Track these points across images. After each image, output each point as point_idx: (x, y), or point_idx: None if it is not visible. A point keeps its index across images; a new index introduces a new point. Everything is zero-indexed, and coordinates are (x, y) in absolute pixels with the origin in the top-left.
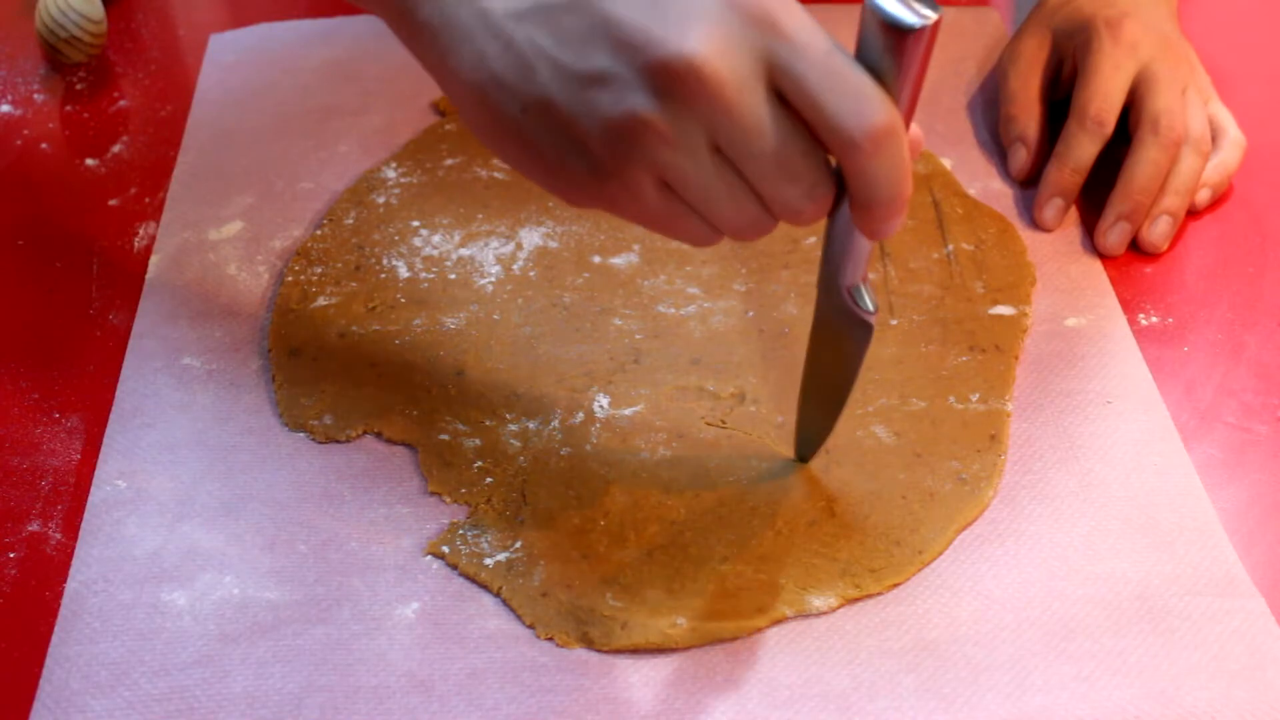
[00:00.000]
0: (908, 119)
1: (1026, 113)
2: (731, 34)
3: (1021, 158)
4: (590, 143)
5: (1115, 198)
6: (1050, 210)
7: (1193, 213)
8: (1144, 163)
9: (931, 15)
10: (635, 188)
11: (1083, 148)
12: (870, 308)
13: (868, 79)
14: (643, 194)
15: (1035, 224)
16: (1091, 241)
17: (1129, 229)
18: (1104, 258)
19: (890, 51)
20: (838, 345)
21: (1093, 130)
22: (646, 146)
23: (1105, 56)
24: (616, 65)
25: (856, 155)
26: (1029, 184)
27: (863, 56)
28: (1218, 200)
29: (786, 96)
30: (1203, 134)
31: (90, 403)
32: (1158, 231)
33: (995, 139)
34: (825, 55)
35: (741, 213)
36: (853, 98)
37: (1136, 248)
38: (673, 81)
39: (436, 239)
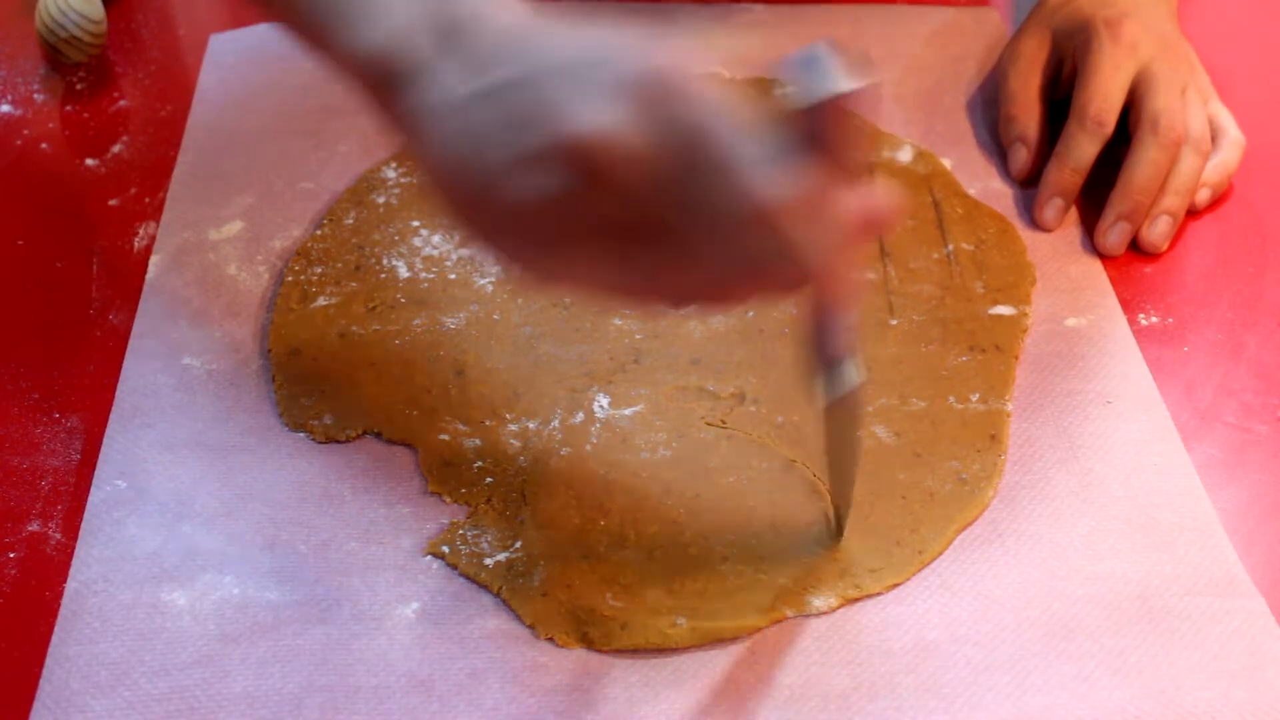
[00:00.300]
0: (842, 179)
1: (1026, 112)
2: (644, 109)
3: (1022, 158)
4: (527, 222)
5: (1115, 198)
6: (1050, 210)
7: (1192, 212)
8: (1144, 163)
9: (848, 86)
10: (575, 265)
11: (1082, 148)
12: (855, 382)
13: (775, 150)
14: (584, 271)
15: (1035, 224)
16: (1091, 241)
17: (1129, 229)
18: (1104, 258)
19: (811, 117)
20: (847, 415)
21: (1093, 130)
22: (560, 226)
23: (1105, 56)
24: (544, 144)
25: (767, 228)
26: (1029, 184)
27: (786, 121)
28: (1217, 200)
29: (702, 173)
30: (1202, 134)
31: (90, 403)
32: (1157, 231)
33: (995, 139)
34: (732, 126)
35: (680, 285)
36: (758, 170)
37: (1136, 248)
38: (584, 158)
39: (436, 239)
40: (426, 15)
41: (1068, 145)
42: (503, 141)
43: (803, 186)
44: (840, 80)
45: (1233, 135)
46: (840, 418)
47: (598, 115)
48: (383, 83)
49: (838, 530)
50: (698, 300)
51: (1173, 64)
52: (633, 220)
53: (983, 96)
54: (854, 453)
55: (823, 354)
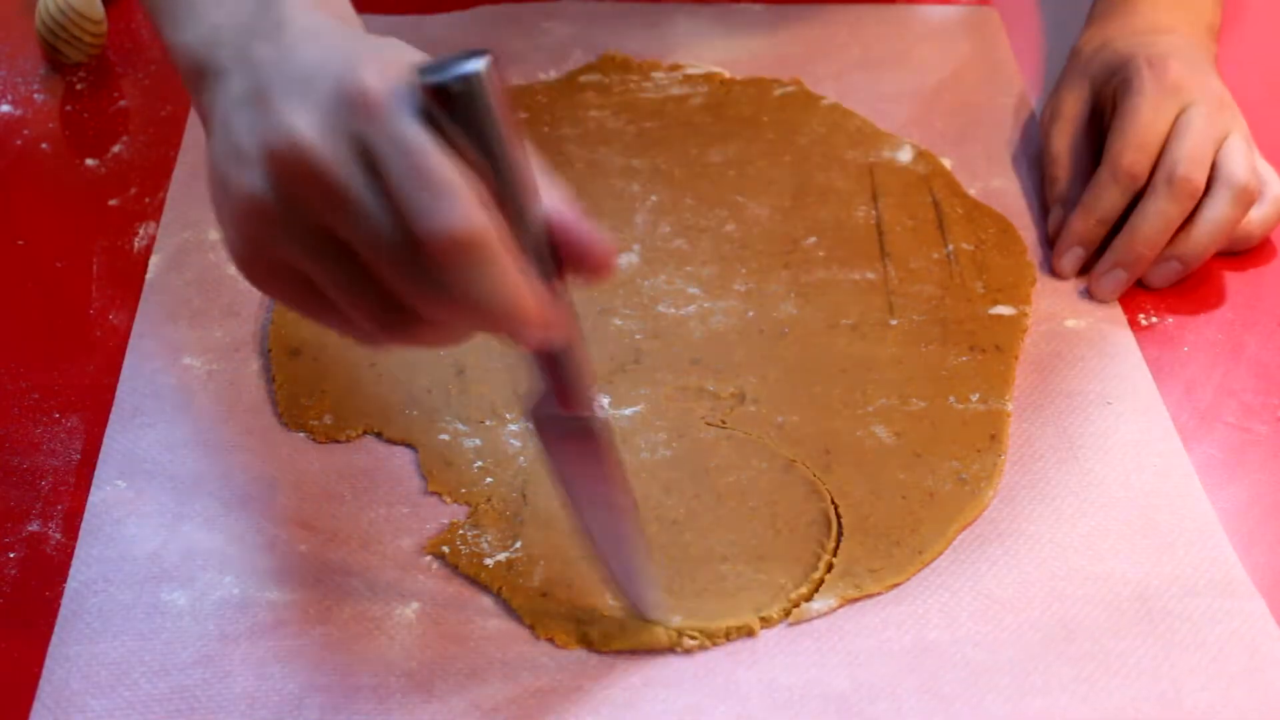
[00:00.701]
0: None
1: (1069, 173)
2: (334, 119)
3: (1061, 221)
4: (245, 219)
5: (1117, 244)
6: (1069, 259)
7: (1222, 255)
8: (1151, 214)
9: (469, 66)
10: (273, 272)
11: (1111, 200)
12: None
13: (453, 178)
14: (275, 279)
15: (1053, 271)
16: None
17: (1125, 278)
18: (1096, 300)
19: (453, 121)
20: (592, 473)
21: (1124, 183)
22: (265, 228)
23: (1146, 98)
24: (256, 146)
25: (438, 259)
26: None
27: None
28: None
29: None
30: (1248, 181)
31: (90, 403)
32: (1160, 275)
33: (995, 139)
34: (412, 137)
35: (367, 311)
36: (430, 195)
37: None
38: (279, 164)
39: None
40: (238, 18)
41: (1096, 194)
42: (237, 142)
43: (475, 221)
44: (452, 72)
45: (1275, 191)
46: (591, 455)
47: (300, 127)
48: (194, 78)
49: (651, 609)
50: (372, 336)
51: (1215, 109)
52: (321, 237)
53: (983, 97)
54: (626, 498)
55: (563, 404)
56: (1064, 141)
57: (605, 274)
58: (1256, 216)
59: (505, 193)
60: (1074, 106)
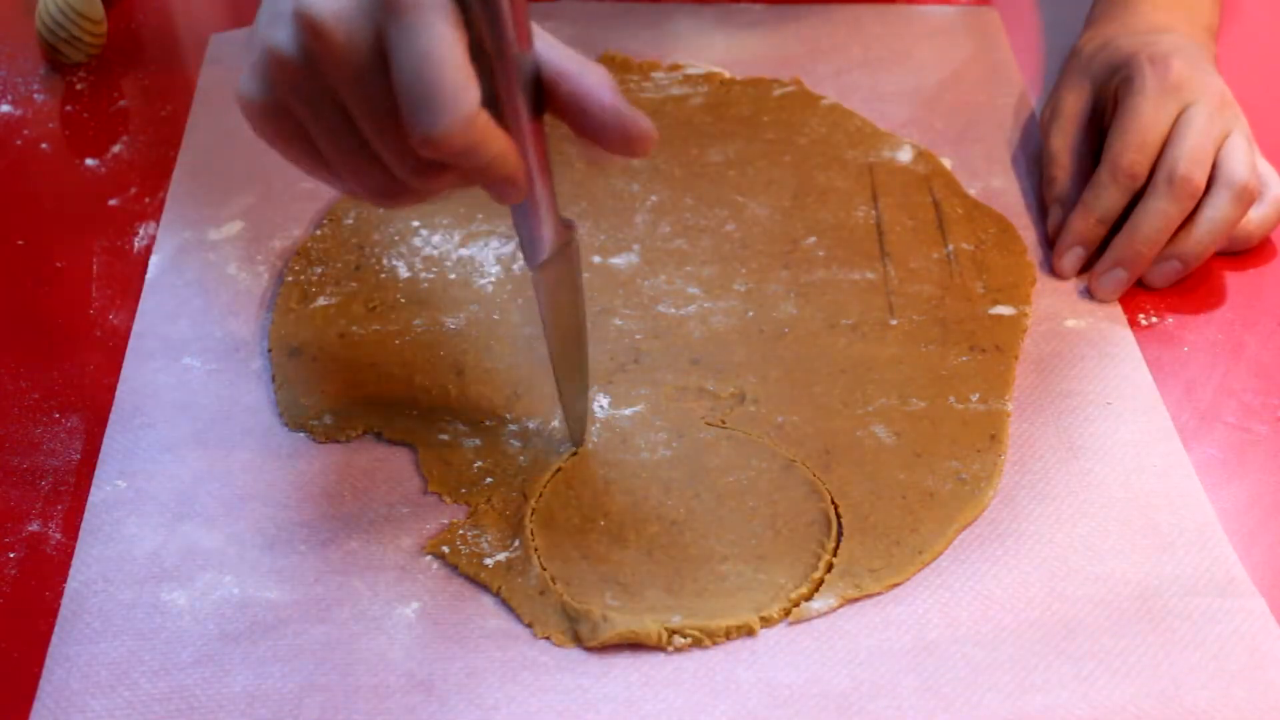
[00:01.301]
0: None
1: (1068, 173)
2: (359, 6)
3: (1059, 221)
4: (259, 67)
5: (1117, 243)
6: (1069, 259)
7: (1222, 255)
8: (1151, 213)
9: None
10: (278, 120)
11: (1111, 198)
12: (553, 245)
13: (453, 82)
14: (284, 129)
15: (1053, 271)
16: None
17: (1125, 277)
18: (1096, 300)
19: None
20: (559, 300)
21: (1123, 183)
22: (283, 82)
23: (1147, 97)
24: (285, 7)
25: (429, 154)
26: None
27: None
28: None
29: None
30: (1248, 180)
31: (90, 403)
32: (1160, 274)
33: (995, 139)
34: (423, 46)
35: (362, 173)
36: (428, 95)
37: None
38: (303, 31)
39: (436, 239)
40: None
41: (1096, 194)
42: (279, 2)
43: (465, 126)
44: None
45: (1276, 191)
46: (550, 288)
47: (330, 3)
48: None
49: (574, 435)
50: (364, 194)
51: (1217, 108)
52: (335, 103)
53: (984, 97)
54: (580, 328)
55: (522, 234)
56: (1063, 141)
57: (602, 114)
58: (1256, 216)
59: (497, 32)
60: (1074, 105)
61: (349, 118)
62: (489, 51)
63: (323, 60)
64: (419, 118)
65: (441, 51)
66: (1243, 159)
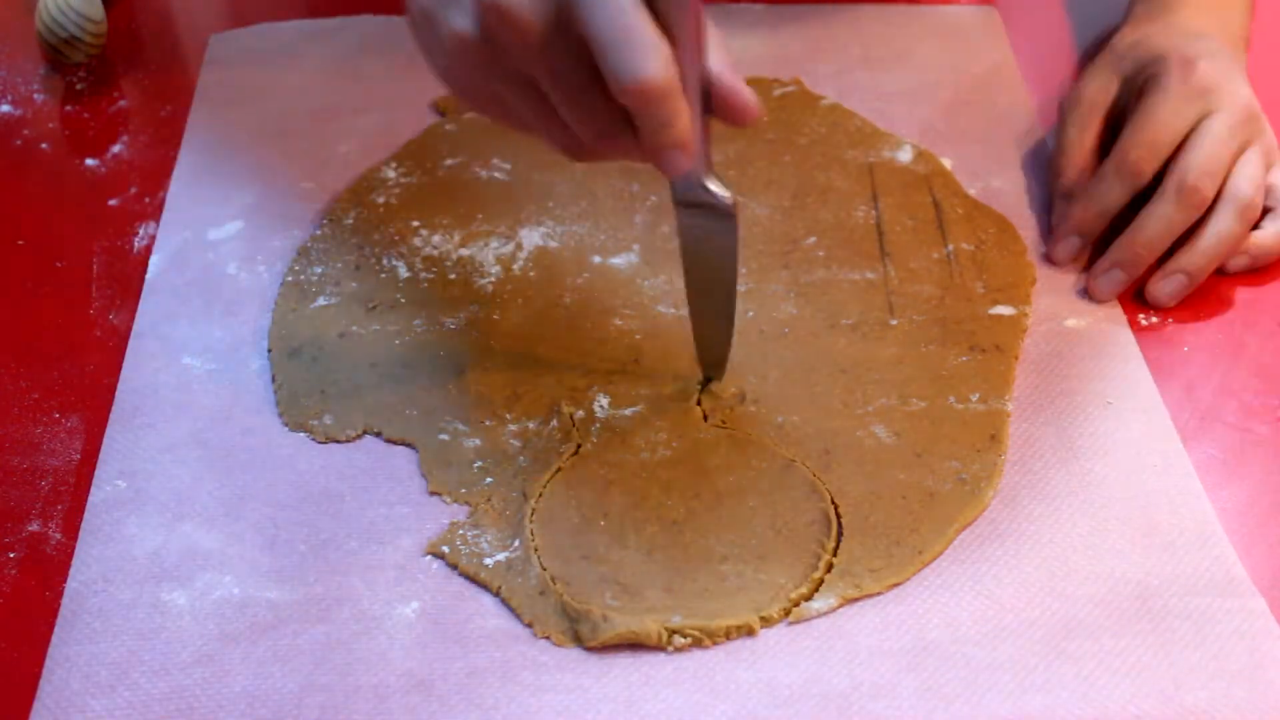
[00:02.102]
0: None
1: (1075, 167)
2: None
3: (1063, 213)
4: (444, 48)
5: (1118, 244)
6: (1064, 247)
7: (1223, 274)
8: (1156, 218)
9: None
10: (475, 91)
11: (1113, 193)
12: (726, 195)
13: (651, 33)
14: (482, 98)
15: (1048, 259)
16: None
17: (1123, 279)
18: (1092, 299)
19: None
20: (709, 252)
21: (1127, 179)
22: (472, 63)
23: (1168, 98)
24: None
25: (628, 103)
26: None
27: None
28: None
29: (583, 42)
30: (1251, 197)
31: (90, 403)
32: (1166, 290)
33: (995, 139)
34: (616, 4)
35: (556, 136)
36: (630, 50)
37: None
38: (484, 13)
39: (436, 239)
40: None
41: (1098, 186)
42: None
43: (668, 71)
44: None
45: None
46: (717, 238)
47: None
48: None
49: (715, 370)
50: (564, 152)
51: (1238, 119)
52: (522, 74)
53: (985, 96)
54: (731, 279)
55: (695, 177)
56: (1077, 132)
57: (749, 121)
58: (1273, 231)
59: (684, 46)
60: (1097, 97)
61: (536, 86)
62: (671, 39)
63: (507, 40)
64: (623, 65)
65: (633, 10)
66: (1252, 175)
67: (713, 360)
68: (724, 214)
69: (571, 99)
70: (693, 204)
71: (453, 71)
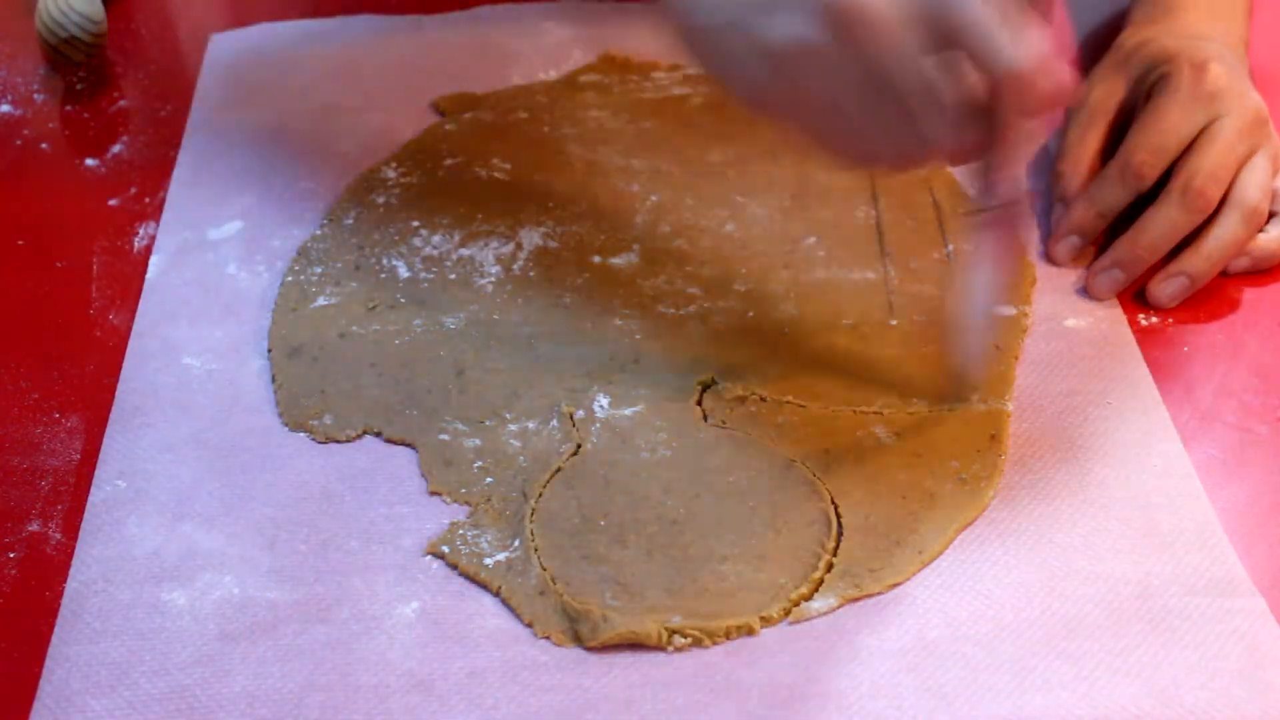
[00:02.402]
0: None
1: (1076, 170)
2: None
3: (1061, 217)
4: (768, 57)
5: (1119, 243)
6: (1064, 246)
7: (1224, 275)
8: (1158, 220)
9: None
10: (797, 102)
11: (1115, 195)
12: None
13: (1020, 19)
14: (803, 109)
15: (1046, 257)
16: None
17: (1121, 279)
18: (1091, 298)
19: None
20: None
21: (1130, 182)
22: (810, 70)
23: (1177, 101)
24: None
25: (1020, 81)
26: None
27: None
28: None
29: (949, 39)
30: (1258, 203)
31: (90, 403)
32: (1167, 291)
33: None
34: (981, 4)
35: (892, 142)
36: (1013, 35)
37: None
38: (839, 18)
39: (436, 239)
40: None
41: (1101, 187)
42: None
43: (1048, 45)
44: None
45: None
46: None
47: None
48: None
49: (958, 391)
50: (886, 161)
51: (1247, 124)
52: (864, 81)
53: None
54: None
55: (1005, 185)
56: (1079, 133)
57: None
58: (1276, 235)
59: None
60: (1104, 98)
61: (879, 86)
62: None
63: (863, 38)
64: (1002, 51)
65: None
66: (1259, 181)
67: (957, 377)
68: (1019, 206)
69: (921, 90)
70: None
71: (776, 83)
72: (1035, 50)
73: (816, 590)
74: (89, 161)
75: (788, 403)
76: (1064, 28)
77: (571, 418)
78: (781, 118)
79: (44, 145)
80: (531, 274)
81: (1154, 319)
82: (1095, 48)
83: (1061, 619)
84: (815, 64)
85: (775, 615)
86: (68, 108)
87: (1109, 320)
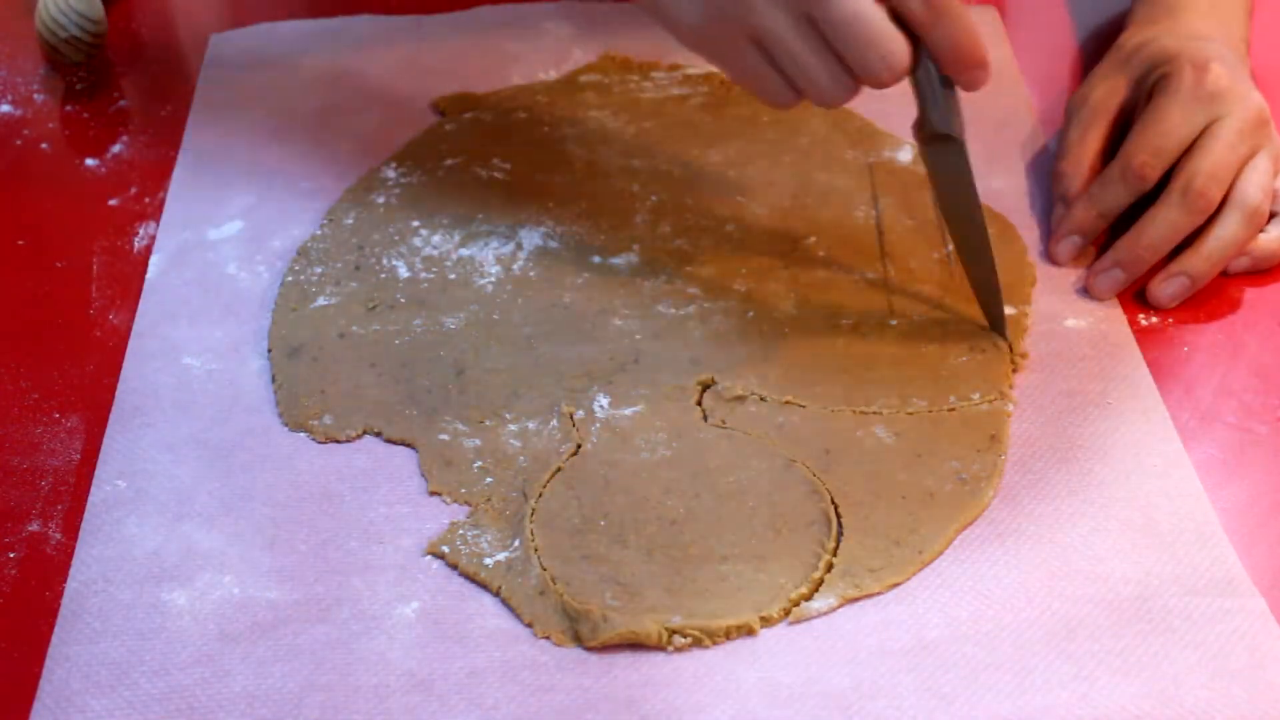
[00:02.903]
0: None
1: (1077, 170)
2: None
3: (1063, 216)
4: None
5: (1120, 244)
6: (1065, 246)
7: (1224, 275)
8: (1159, 221)
9: None
10: (731, 41)
11: (1116, 196)
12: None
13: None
14: (736, 48)
15: (1048, 257)
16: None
17: (1122, 279)
18: (1092, 297)
19: None
20: (955, 189)
21: (1132, 183)
22: (743, 6)
23: (1179, 102)
24: None
25: (926, 18)
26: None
27: None
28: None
29: None
30: (1259, 203)
31: (90, 403)
32: (1168, 291)
33: (995, 139)
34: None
35: (824, 75)
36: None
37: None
38: None
39: (436, 239)
40: None
41: (1103, 188)
42: None
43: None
44: None
45: None
46: (959, 172)
47: None
48: None
49: (998, 326)
50: (818, 96)
51: (1248, 124)
52: (788, 13)
53: (984, 96)
54: (976, 205)
55: (940, 121)
56: (1080, 133)
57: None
58: (1276, 235)
59: None
60: (1105, 98)
61: (811, 24)
62: None
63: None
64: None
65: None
66: (1260, 181)
67: (992, 310)
68: (954, 143)
69: (857, 24)
70: (932, 136)
71: (709, 19)
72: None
73: (816, 590)
74: (89, 161)
75: (788, 403)
76: (1064, 28)
77: (571, 418)
78: (716, 55)
79: (44, 145)
80: (531, 274)
81: (1154, 319)
82: (1095, 48)
83: (1061, 619)
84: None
85: (775, 615)
86: (68, 108)
87: (1109, 320)
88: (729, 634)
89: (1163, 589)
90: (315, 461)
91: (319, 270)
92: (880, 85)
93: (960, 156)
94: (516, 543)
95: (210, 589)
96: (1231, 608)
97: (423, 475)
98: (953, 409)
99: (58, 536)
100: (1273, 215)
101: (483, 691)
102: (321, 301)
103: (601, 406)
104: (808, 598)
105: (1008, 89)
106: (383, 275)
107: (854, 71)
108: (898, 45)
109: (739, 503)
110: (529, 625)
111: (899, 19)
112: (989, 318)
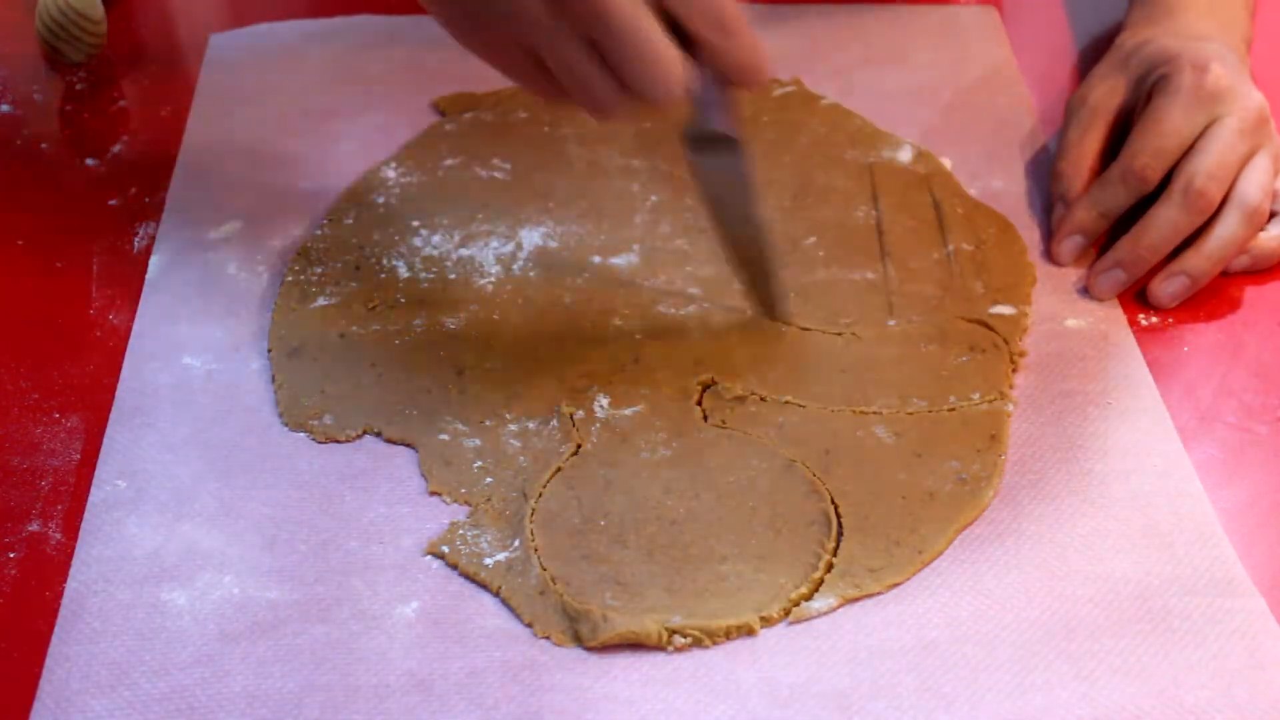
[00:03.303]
0: None
1: (1076, 170)
2: None
3: (1063, 216)
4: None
5: (1120, 243)
6: (1067, 246)
7: (1224, 275)
8: (1160, 221)
9: None
10: (503, 44)
11: (1117, 197)
12: (732, 130)
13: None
14: (508, 51)
15: (1049, 257)
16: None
17: (1123, 279)
18: (1092, 297)
19: None
20: (731, 192)
21: (1133, 184)
22: (522, 18)
23: (1179, 102)
24: None
25: (716, 37)
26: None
27: None
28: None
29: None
30: (1259, 202)
31: (90, 403)
32: (1168, 290)
33: (995, 139)
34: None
35: (597, 89)
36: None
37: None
38: None
39: (436, 239)
40: None
41: (1103, 189)
42: None
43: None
44: None
45: None
46: (732, 177)
47: None
48: None
49: (771, 310)
50: (591, 107)
51: (1248, 124)
52: (565, 28)
53: (984, 96)
54: (754, 212)
55: (719, 123)
56: (1079, 133)
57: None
58: (1276, 234)
59: None
60: (1104, 98)
61: (586, 39)
62: None
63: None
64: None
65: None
66: (1261, 181)
67: (765, 301)
68: (732, 145)
69: (634, 41)
70: (702, 139)
71: (481, 21)
72: (729, 10)
73: (816, 590)
74: (89, 161)
75: (788, 403)
76: (1064, 27)
77: (571, 418)
78: (488, 55)
79: (44, 145)
80: (531, 274)
81: (1154, 319)
82: (1095, 47)
83: (1061, 619)
84: (525, 14)
85: (775, 615)
86: (68, 108)
87: (1109, 320)
88: (729, 634)
89: (1163, 589)
90: (315, 461)
91: (319, 270)
92: (653, 104)
93: (738, 158)
94: (516, 543)
95: (210, 589)
96: (1231, 608)
97: (423, 475)
98: (953, 409)
99: (58, 536)
100: (1273, 215)
101: (483, 691)
102: (321, 301)
103: (601, 406)
104: (808, 598)
105: (1007, 89)
106: (383, 275)
107: (629, 88)
108: (676, 67)
109: (739, 503)
110: (529, 625)
111: (675, 31)
112: (765, 309)
